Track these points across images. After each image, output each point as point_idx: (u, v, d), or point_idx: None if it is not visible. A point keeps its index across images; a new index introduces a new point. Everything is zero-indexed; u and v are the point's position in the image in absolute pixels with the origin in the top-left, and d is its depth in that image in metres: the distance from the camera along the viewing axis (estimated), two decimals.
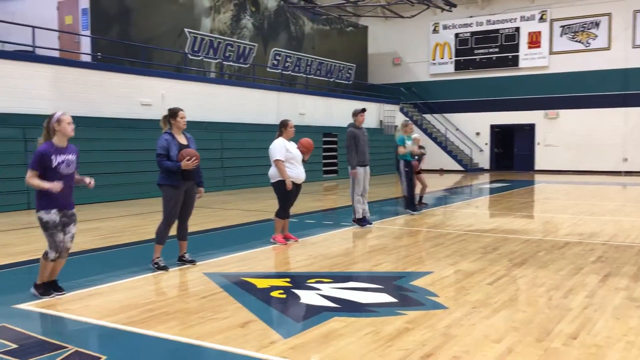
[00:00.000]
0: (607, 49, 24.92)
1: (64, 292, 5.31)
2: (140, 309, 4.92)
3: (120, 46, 16.44)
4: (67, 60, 14.66)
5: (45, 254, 5.14)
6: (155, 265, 6.36)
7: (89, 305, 5.03)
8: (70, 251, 5.40)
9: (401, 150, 10.88)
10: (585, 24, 25.34)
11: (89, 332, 4.44)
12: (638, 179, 21.53)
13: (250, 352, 3.89)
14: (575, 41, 25.58)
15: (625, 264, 6.64)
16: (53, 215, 5.05)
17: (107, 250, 7.78)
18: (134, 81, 15.42)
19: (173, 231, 6.49)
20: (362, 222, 9.53)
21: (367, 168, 9.56)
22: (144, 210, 12.08)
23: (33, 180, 4.98)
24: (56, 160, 5.01)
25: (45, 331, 4.47)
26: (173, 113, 6.34)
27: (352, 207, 9.65)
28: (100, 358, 3.80)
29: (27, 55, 13.79)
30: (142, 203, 13.33)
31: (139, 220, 10.73)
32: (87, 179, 5.29)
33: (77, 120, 5.25)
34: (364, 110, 9.57)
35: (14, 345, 4.02)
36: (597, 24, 25.09)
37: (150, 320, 4.61)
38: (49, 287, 5.27)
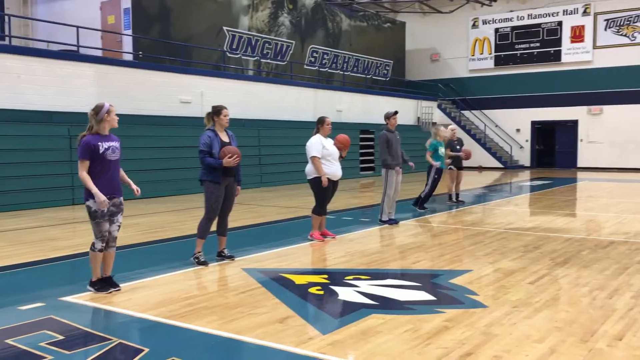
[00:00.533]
0: None
1: (119, 288, 5.40)
2: (180, 303, 5.01)
3: (160, 45, 16.73)
4: (109, 59, 15.00)
5: (93, 245, 5.24)
6: (196, 260, 6.46)
7: (131, 299, 5.14)
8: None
9: (428, 156, 11.36)
10: (630, 17, 24.59)
11: (131, 324, 4.55)
12: None
13: (289, 347, 3.92)
14: (620, 35, 24.85)
15: None
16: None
17: (147, 245, 7.94)
18: (173, 79, 15.68)
19: (212, 227, 6.58)
20: (389, 222, 9.49)
21: (400, 169, 9.51)
22: (183, 206, 12.28)
23: (87, 177, 5.04)
24: (102, 147, 5.13)
25: (90, 323, 4.58)
26: (217, 111, 6.42)
27: (380, 206, 9.62)
28: (143, 350, 3.88)
29: (72, 55, 14.17)
30: (182, 199, 13.55)
31: (178, 216, 10.90)
32: (134, 186, 5.39)
33: (119, 117, 5.36)
34: (396, 112, 9.53)
35: (61, 337, 4.15)
36: None
37: (191, 314, 4.69)
38: (105, 284, 5.36)
